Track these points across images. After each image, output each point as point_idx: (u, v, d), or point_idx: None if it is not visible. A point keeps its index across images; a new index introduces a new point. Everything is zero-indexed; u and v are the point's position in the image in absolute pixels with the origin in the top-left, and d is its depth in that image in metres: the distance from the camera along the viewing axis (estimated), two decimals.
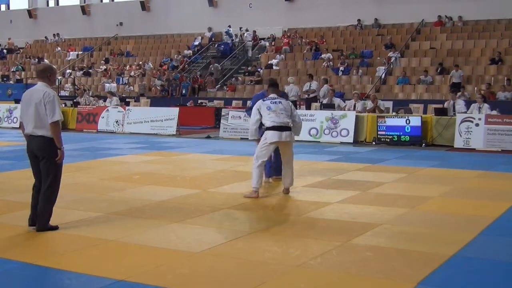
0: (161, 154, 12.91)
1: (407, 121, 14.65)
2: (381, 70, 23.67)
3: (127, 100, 22.39)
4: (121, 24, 34.34)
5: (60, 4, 37.78)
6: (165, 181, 9.19)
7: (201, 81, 26.42)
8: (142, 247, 5.56)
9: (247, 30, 29.59)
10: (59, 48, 35.14)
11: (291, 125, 8.06)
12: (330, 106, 16.61)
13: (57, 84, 30.06)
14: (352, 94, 18.78)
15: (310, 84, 21.14)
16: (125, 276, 4.69)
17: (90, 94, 22.93)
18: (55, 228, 6.15)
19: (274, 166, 9.01)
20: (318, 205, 7.55)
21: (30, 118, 6.08)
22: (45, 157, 6.07)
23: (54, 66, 7.94)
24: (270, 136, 7.92)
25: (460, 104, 15.64)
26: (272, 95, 8.21)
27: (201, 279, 4.71)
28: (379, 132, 14.92)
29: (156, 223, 6.46)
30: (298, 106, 18.77)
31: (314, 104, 19.27)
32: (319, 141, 15.13)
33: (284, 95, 8.76)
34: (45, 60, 33.79)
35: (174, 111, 18.08)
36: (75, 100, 21.45)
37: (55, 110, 6.00)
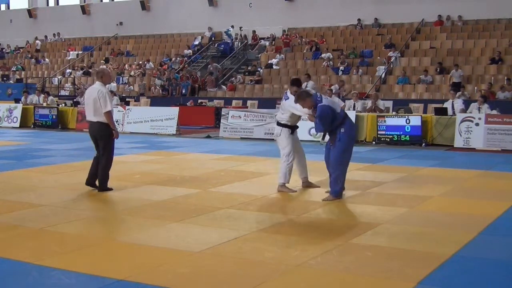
0: (161, 153, 12.91)
1: (407, 120, 14.64)
2: (381, 70, 23.68)
3: (127, 99, 22.38)
4: (121, 23, 34.34)
5: (60, 3, 37.79)
6: (165, 181, 9.20)
7: (202, 81, 26.42)
8: (142, 247, 5.56)
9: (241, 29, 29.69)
10: (38, 42, 35.73)
11: (282, 121, 8.29)
12: None
13: (58, 83, 30.18)
14: (351, 94, 18.78)
15: (307, 83, 21.13)
16: (125, 276, 4.69)
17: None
18: (110, 189, 8.24)
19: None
20: (318, 205, 7.56)
21: (90, 109, 8.24)
22: (102, 137, 8.28)
23: (107, 70, 9.67)
24: None
25: (458, 103, 15.65)
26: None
27: (201, 278, 4.71)
28: (379, 132, 14.93)
29: (156, 223, 6.46)
30: None
31: None
32: (319, 141, 15.12)
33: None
34: (46, 59, 33.85)
35: (174, 111, 18.07)
36: (75, 100, 21.44)
37: (107, 103, 8.09)
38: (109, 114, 8.12)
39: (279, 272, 4.85)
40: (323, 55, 25.67)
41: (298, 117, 8.35)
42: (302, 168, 8.62)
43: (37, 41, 35.92)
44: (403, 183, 9.14)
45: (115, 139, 8.44)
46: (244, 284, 4.60)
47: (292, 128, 8.36)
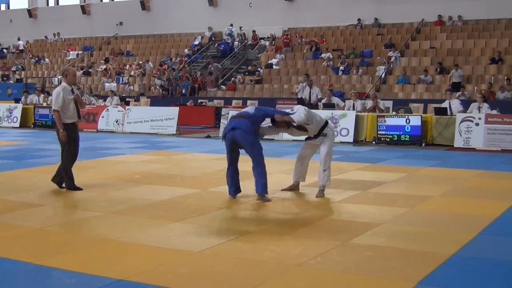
0: (161, 153, 12.91)
1: (407, 120, 14.65)
2: (381, 70, 23.68)
3: (127, 99, 22.37)
4: (121, 23, 34.34)
5: (60, 3, 37.79)
6: (165, 181, 9.19)
7: (201, 80, 26.42)
8: (142, 247, 5.56)
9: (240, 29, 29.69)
10: (20, 43, 35.48)
11: None
12: (329, 106, 16.61)
13: (58, 83, 30.15)
14: (350, 94, 18.77)
15: (306, 84, 21.13)
16: (125, 276, 4.69)
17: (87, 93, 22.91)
18: (79, 189, 8.18)
19: None
20: (318, 204, 7.56)
21: None
22: (57, 135, 8.31)
23: (72, 69, 9.19)
24: None
25: (455, 103, 15.65)
26: None
27: (201, 278, 4.72)
28: (379, 132, 14.93)
29: (156, 223, 6.46)
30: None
31: None
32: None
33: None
34: (46, 59, 33.85)
35: (174, 111, 18.08)
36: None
37: (55, 102, 8.18)
38: (55, 113, 8.14)
39: (279, 272, 4.85)
40: (323, 55, 25.67)
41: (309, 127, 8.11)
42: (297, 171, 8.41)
43: (19, 42, 35.89)
44: (403, 183, 9.15)
45: (62, 139, 8.19)
46: (244, 284, 4.60)
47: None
